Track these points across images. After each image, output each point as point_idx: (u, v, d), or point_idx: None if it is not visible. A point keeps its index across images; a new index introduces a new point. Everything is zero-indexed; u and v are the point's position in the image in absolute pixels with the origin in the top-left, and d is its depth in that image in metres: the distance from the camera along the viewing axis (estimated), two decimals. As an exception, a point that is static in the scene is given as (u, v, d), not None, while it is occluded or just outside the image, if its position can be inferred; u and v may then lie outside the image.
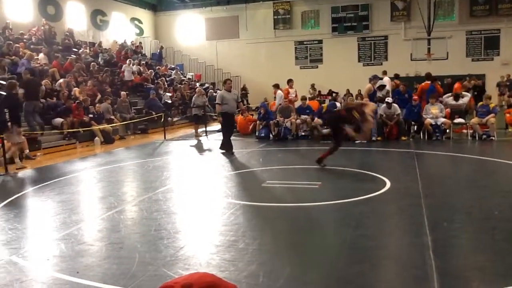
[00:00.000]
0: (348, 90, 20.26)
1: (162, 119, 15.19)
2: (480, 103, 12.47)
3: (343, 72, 25.82)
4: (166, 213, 5.86)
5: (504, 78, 21.86)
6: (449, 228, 4.97)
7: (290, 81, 15.60)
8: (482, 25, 25.17)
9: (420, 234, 4.75)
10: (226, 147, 10.98)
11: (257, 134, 13.91)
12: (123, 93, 16.51)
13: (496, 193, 6.65)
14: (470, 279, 3.77)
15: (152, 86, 19.49)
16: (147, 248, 4.56)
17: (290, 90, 15.26)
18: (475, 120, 12.12)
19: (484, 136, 11.80)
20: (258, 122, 14.05)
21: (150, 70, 21.75)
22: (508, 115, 13.74)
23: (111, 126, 14.31)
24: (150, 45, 27.94)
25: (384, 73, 15.98)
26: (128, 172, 9.38)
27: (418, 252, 4.27)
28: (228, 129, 11.25)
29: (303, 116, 13.41)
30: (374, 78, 13.43)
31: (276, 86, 15.19)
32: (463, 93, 13.91)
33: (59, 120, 13.07)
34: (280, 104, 14.17)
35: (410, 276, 3.85)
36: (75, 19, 22.80)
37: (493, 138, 11.74)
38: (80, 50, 19.66)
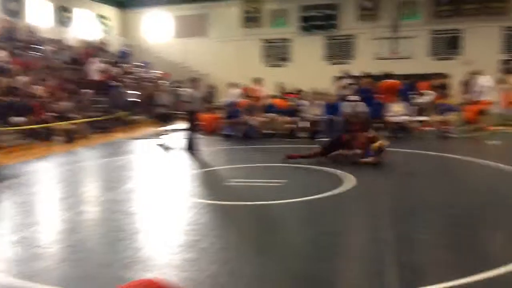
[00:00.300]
0: (314, 88, 20.39)
1: (127, 118, 14.93)
2: (441, 101, 12.76)
3: (310, 70, 25.97)
4: (127, 213, 5.74)
5: (467, 77, 22.38)
6: (409, 224, 5.05)
7: (258, 80, 15.58)
8: (446, 25, 25.79)
9: (381, 229, 4.80)
10: (192, 146, 10.89)
11: (223, 132, 13.84)
12: (87, 91, 16.14)
13: (456, 189, 6.81)
14: (429, 272, 3.82)
15: (118, 84, 19.14)
16: (106, 250, 4.45)
17: (259, 89, 15.25)
18: (436, 118, 12.40)
19: (444, 133, 12.09)
20: (224, 120, 13.98)
21: (116, 68, 21.36)
22: (467, 113, 14.10)
23: (73, 124, 13.96)
24: (116, 43, 27.44)
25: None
26: (90, 172, 9.17)
27: (378, 247, 4.32)
28: (195, 128, 11.16)
29: (269, 114, 13.41)
30: (346, 76, 13.69)
31: (233, 85, 15.27)
32: (426, 91, 14.20)
33: (19, 119, 12.66)
34: (231, 102, 14.25)
35: (371, 271, 3.89)
36: (39, 15, 22.16)
37: (454, 135, 12.04)
38: (44, 47, 19.12)
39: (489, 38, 25.24)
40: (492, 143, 11.03)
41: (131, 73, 22.48)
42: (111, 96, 17.60)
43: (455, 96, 17.40)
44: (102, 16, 27.31)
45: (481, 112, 13.21)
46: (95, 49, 22.31)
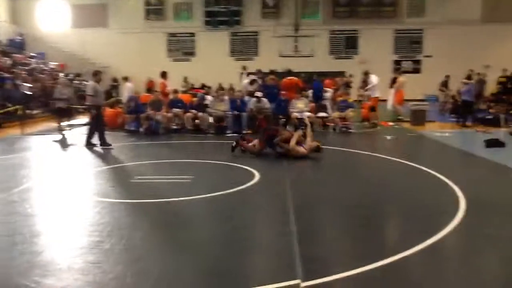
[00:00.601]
0: (220, 84, 20.50)
1: (21, 112, 13.90)
2: (340, 98, 13.47)
3: (215, 65, 26.05)
4: (23, 215, 5.36)
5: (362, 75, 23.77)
6: (312, 216, 5.28)
7: (164, 74, 15.29)
8: (344, 25, 27.18)
9: (286, 223, 4.97)
10: (100, 141, 10.48)
11: (126, 127, 13.41)
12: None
13: (352, 181, 7.27)
14: (333, 263, 4.04)
15: (9, 75, 17.72)
16: (0, 256, 4.13)
17: (165, 82, 14.98)
18: (336, 114, 13.07)
19: (344, 129, 12.80)
20: (127, 115, 13.55)
21: (5, 58, 19.76)
22: (363, 109, 15.06)
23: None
24: (6, 31, 25.36)
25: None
26: (-21, 171, 8.42)
27: (283, 241, 4.47)
28: (101, 122, 10.72)
29: (174, 110, 13.24)
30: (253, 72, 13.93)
31: (125, 79, 14.99)
32: (325, 88, 14.89)
33: None
34: (133, 96, 14.11)
35: (276, 264, 4.01)
36: None
37: (351, 130, 12.81)
38: None
39: (382, 40, 27.04)
40: (388, 138, 11.87)
41: (24, 64, 20.92)
42: (2, 88, 16.25)
43: (354, 93, 18.42)
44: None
45: (372, 109, 14.19)
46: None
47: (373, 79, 15.12)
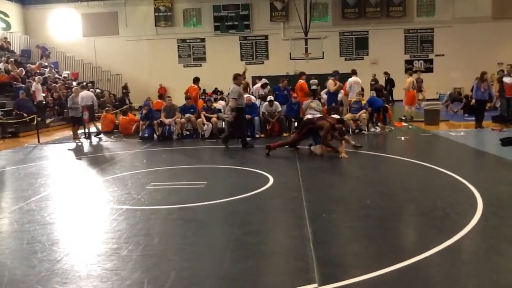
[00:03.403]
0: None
1: (35, 121, 14.08)
2: (353, 99, 13.41)
3: (226, 70, 26.08)
4: (41, 224, 5.43)
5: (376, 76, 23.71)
6: (327, 219, 5.27)
7: (197, 80, 15.23)
8: (353, 26, 27.13)
9: (301, 226, 4.96)
10: (244, 143, 10.91)
11: (140, 134, 13.51)
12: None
13: (367, 183, 7.22)
14: (349, 266, 4.02)
15: (23, 85, 17.97)
16: (18, 264, 4.19)
17: (195, 88, 14.96)
18: (348, 115, 13.02)
19: (357, 131, 12.75)
20: (141, 122, 13.65)
21: (20, 68, 20.04)
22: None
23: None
24: (19, 41, 25.75)
25: (353, 72, 15.25)
26: (-4, 180, 8.54)
27: (299, 244, 4.46)
28: (241, 124, 11.10)
29: (187, 115, 13.31)
30: (336, 74, 13.87)
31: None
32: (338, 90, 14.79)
33: None
34: (147, 103, 14.21)
35: (292, 269, 4.00)
36: None
37: (364, 132, 12.75)
38: None
39: (393, 40, 26.91)
40: (401, 139, 11.80)
41: (38, 73, 21.19)
42: (16, 98, 16.48)
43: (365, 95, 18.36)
44: (1, 12, 25.50)
45: (384, 109, 14.10)
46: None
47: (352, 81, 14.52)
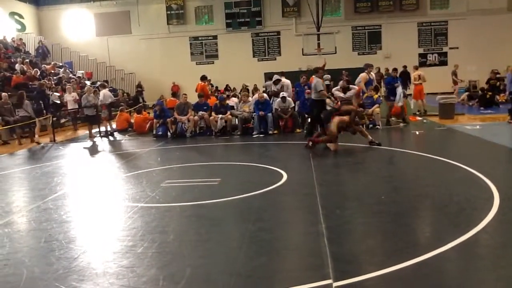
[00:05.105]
0: (244, 85, 20.57)
1: (51, 121, 14.24)
2: (365, 94, 13.31)
3: (239, 67, 26.19)
4: (58, 222, 5.51)
5: (389, 70, 23.50)
6: (341, 215, 5.26)
7: (205, 78, 15.36)
8: (366, 21, 26.93)
9: (315, 222, 4.96)
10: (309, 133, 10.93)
11: (154, 132, 13.60)
12: (4, 94, 15.17)
13: (381, 178, 7.18)
14: (364, 262, 4.01)
15: (38, 85, 18.12)
16: (36, 262, 4.25)
17: (205, 85, 15.06)
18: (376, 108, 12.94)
19: (371, 125, 12.66)
20: (154, 120, 13.74)
21: (35, 69, 20.27)
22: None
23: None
24: (34, 42, 26.04)
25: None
26: (13, 180, 8.66)
27: (313, 240, 4.46)
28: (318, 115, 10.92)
29: (200, 113, 13.35)
30: (368, 67, 13.83)
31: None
32: (351, 86, 14.71)
33: None
34: (160, 101, 14.27)
35: (307, 265, 4.01)
36: None
37: (378, 126, 12.65)
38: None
39: (406, 33, 26.64)
40: (416, 133, 11.71)
41: (52, 73, 21.42)
42: (33, 98, 16.63)
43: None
44: (16, 14, 25.81)
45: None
46: (11, 49, 21.04)
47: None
